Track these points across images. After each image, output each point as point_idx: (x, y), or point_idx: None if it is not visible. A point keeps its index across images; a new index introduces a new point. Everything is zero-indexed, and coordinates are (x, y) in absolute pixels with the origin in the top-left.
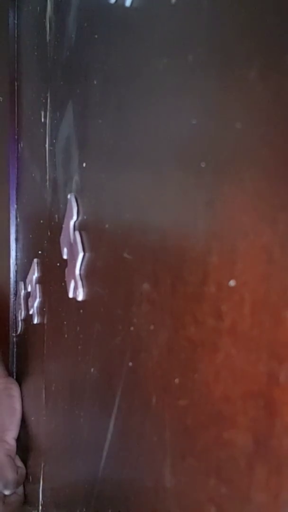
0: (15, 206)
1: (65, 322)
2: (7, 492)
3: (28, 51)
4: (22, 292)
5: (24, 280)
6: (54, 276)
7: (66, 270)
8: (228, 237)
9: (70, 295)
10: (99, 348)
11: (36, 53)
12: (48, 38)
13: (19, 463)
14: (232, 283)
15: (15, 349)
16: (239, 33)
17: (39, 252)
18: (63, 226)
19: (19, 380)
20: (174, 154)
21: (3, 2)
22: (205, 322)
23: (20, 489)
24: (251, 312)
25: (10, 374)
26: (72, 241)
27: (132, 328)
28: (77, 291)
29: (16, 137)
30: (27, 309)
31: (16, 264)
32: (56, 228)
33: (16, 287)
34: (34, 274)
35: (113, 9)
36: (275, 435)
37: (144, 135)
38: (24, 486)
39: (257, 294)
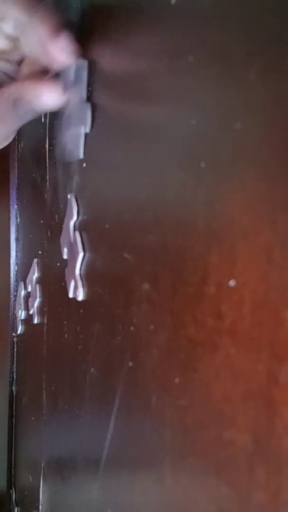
0: (15, 206)
1: (65, 322)
2: None
3: None
4: (22, 292)
5: (24, 280)
6: (54, 276)
7: (66, 270)
8: (228, 237)
9: (70, 295)
10: (99, 348)
11: None
12: None
13: None
14: (232, 283)
15: (15, 349)
16: (239, 33)
17: (39, 252)
18: (63, 226)
19: (19, 380)
20: (174, 154)
21: None
22: (205, 322)
23: None
24: (251, 312)
25: (10, 374)
26: (72, 241)
27: (132, 328)
28: (77, 291)
29: (16, 137)
30: (27, 309)
31: (16, 264)
32: (56, 228)
33: (16, 287)
34: (34, 274)
35: (113, 8)
36: (275, 435)
37: (144, 135)
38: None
39: (257, 294)
